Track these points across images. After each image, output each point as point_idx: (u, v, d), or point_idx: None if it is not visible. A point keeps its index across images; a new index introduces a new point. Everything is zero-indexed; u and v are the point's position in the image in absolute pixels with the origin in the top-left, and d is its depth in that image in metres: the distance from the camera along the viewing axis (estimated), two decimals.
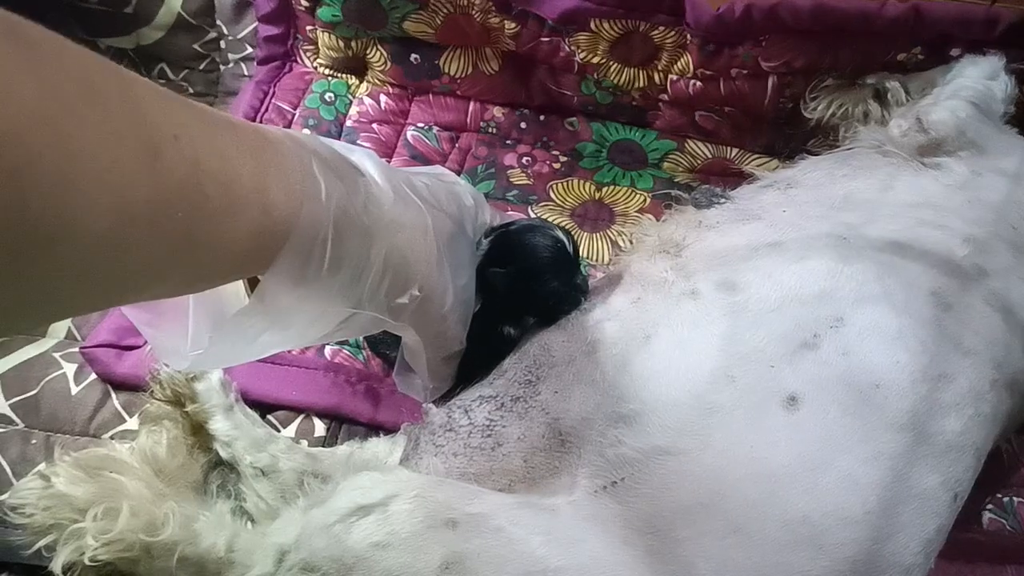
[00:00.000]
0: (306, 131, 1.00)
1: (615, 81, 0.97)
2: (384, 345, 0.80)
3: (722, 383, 0.61)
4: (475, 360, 0.73)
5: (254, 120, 1.00)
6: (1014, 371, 0.66)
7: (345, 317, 0.58)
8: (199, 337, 0.54)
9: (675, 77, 0.95)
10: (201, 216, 0.39)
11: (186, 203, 0.38)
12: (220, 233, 0.41)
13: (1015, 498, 0.80)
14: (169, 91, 0.40)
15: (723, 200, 0.78)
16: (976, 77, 0.82)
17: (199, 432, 0.75)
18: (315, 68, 1.06)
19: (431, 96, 1.04)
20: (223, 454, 0.74)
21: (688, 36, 0.90)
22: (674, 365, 0.63)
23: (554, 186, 0.99)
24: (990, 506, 0.79)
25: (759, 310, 0.65)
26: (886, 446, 0.58)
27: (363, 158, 0.58)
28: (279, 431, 0.80)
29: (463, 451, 0.67)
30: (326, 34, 1.01)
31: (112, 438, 0.80)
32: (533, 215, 0.96)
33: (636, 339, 0.66)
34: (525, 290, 0.72)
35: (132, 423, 0.80)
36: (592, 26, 0.91)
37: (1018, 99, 0.88)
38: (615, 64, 0.95)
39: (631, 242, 0.82)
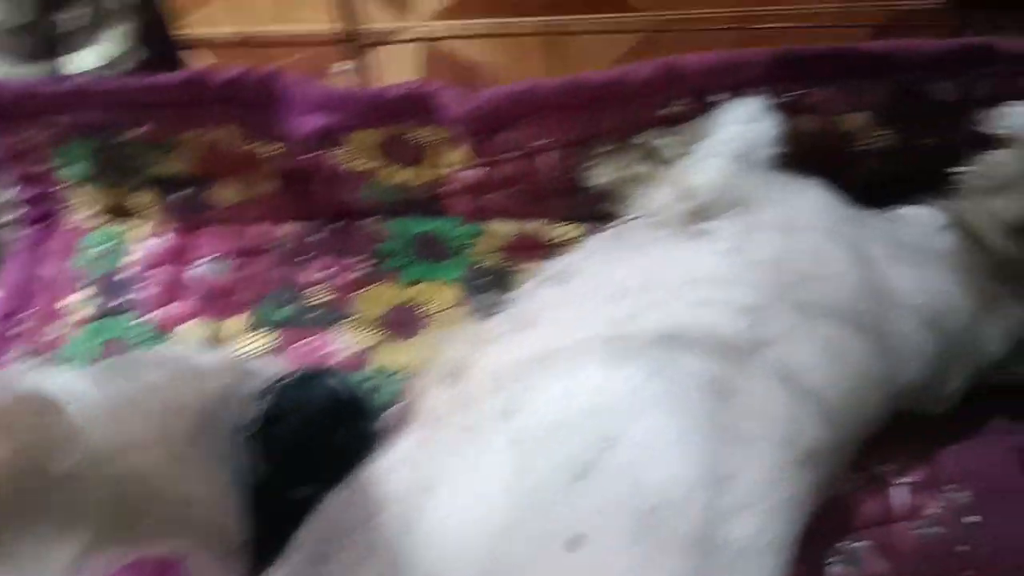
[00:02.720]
0: (80, 294, 0.94)
1: (394, 182, 0.93)
2: None
3: (504, 536, 0.57)
4: (272, 535, 0.68)
5: (24, 291, 0.93)
6: (807, 444, 0.63)
7: (77, 556, 0.52)
8: None
9: (451, 170, 0.92)
10: None
11: None
12: None
13: (858, 543, 0.78)
14: None
15: (503, 306, 0.74)
16: (737, 123, 0.80)
17: None
18: (83, 221, 1.00)
19: (213, 226, 0.99)
20: None
21: (450, 131, 0.87)
22: (456, 522, 0.59)
23: (357, 298, 0.95)
24: (833, 559, 0.77)
25: (534, 439, 0.61)
26: (674, 572, 0.55)
27: (73, 380, 0.53)
28: None
29: None
30: (82, 188, 0.95)
31: None
32: (337, 335, 0.92)
33: (420, 491, 0.62)
34: (307, 447, 0.67)
35: None
36: (350, 139, 0.88)
37: (789, 131, 0.87)
38: (387, 168, 0.92)
39: (422, 370, 0.78)
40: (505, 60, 1.29)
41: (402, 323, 0.93)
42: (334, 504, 0.66)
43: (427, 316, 0.94)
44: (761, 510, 0.59)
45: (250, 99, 0.85)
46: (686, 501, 0.57)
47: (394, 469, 0.65)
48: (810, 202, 0.76)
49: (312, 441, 0.68)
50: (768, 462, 0.61)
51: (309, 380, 0.70)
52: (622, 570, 0.55)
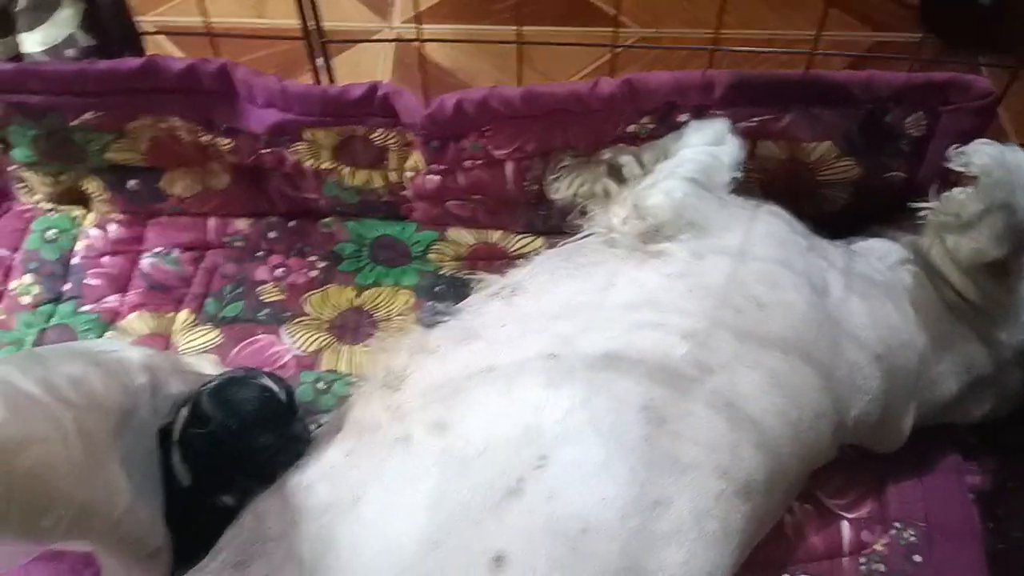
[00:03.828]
0: (28, 277, 0.92)
1: (352, 183, 0.92)
2: None
3: (427, 550, 0.56)
4: (195, 541, 0.66)
5: None
6: (746, 473, 0.62)
7: None
8: None
9: (411, 174, 0.90)
10: None
11: None
12: None
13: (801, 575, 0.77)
14: None
15: (447, 317, 0.72)
16: (700, 145, 0.79)
17: None
18: (35, 204, 0.97)
19: (165, 218, 0.97)
20: None
21: (409, 135, 0.85)
22: (380, 535, 0.58)
23: (309, 298, 0.93)
24: None
25: (466, 456, 0.59)
26: None
27: None
28: None
29: None
30: (30, 172, 0.93)
31: None
32: (286, 335, 0.90)
33: (345, 503, 0.60)
34: (233, 450, 0.65)
35: None
36: (306, 136, 0.86)
37: (756, 154, 0.87)
38: (346, 168, 0.90)
39: (360, 378, 0.76)
40: (479, 67, 1.28)
41: (353, 327, 0.91)
42: (257, 512, 0.64)
43: (378, 321, 0.92)
44: (695, 538, 0.58)
45: (205, 90, 0.83)
46: (619, 523, 0.55)
47: (319, 480, 0.64)
48: (765, 229, 0.75)
49: (237, 445, 0.66)
50: (704, 490, 0.59)
51: (239, 382, 0.68)
52: None
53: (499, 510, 0.56)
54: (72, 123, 0.85)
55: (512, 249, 0.98)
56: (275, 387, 0.68)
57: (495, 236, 0.98)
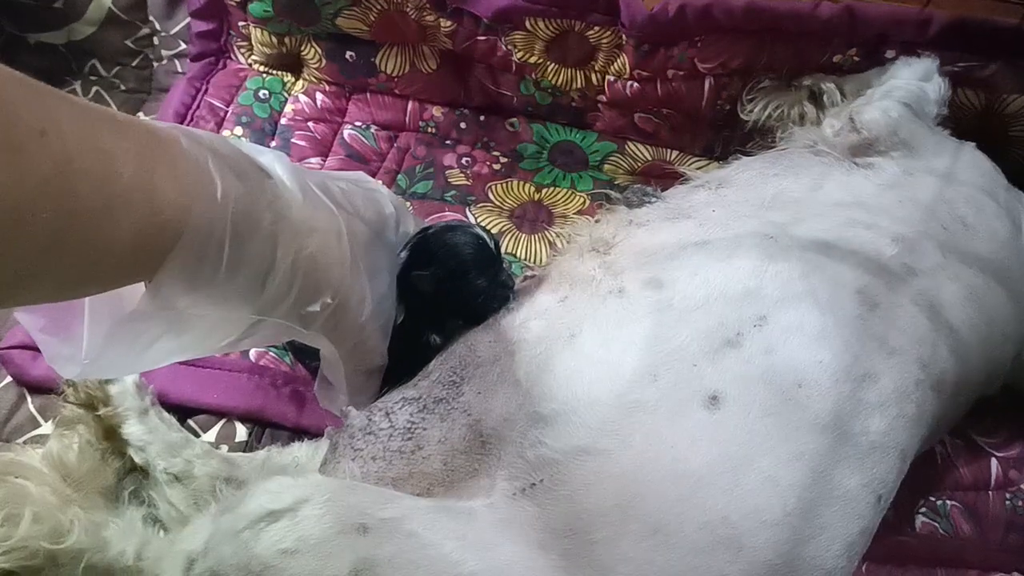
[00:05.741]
0: (239, 129, 0.98)
1: (553, 82, 0.96)
2: (308, 356, 0.77)
3: (644, 381, 0.60)
4: (399, 372, 0.70)
5: (185, 118, 0.97)
6: (941, 371, 0.65)
7: (249, 325, 0.55)
8: (94, 344, 0.51)
9: (612, 78, 0.94)
10: (73, 216, 0.37)
11: (54, 202, 0.36)
12: (97, 234, 0.39)
13: (948, 501, 0.79)
14: (44, 85, 0.37)
15: (654, 199, 0.76)
16: (910, 78, 0.82)
17: (113, 436, 0.72)
18: (249, 65, 1.04)
19: (368, 95, 1.02)
20: (136, 459, 0.71)
21: (623, 36, 0.89)
22: (597, 363, 0.62)
23: (493, 187, 0.98)
24: (923, 509, 0.78)
25: (684, 308, 0.63)
26: (807, 446, 0.57)
27: (273, 160, 0.56)
28: (199, 436, 0.77)
29: (382, 455, 0.64)
30: (259, 30, 0.99)
31: (26, 443, 0.77)
32: (471, 216, 0.95)
33: (561, 338, 0.65)
34: (452, 291, 0.70)
35: (47, 428, 0.78)
36: (527, 25, 0.90)
37: (951, 101, 0.88)
38: (552, 64, 0.94)
39: (566, 243, 0.80)
40: None
41: (531, 218, 0.96)
42: (468, 342, 0.69)
43: (556, 217, 0.96)
44: (893, 415, 0.61)
45: None
46: (832, 385, 0.59)
47: (533, 319, 0.68)
48: (972, 159, 0.77)
49: (456, 285, 0.70)
50: (907, 375, 0.62)
51: (456, 229, 0.72)
52: (756, 435, 0.57)
53: (716, 357, 0.60)
54: None
55: (687, 171, 1.00)
56: (486, 236, 0.72)
57: (672, 155, 1.02)
